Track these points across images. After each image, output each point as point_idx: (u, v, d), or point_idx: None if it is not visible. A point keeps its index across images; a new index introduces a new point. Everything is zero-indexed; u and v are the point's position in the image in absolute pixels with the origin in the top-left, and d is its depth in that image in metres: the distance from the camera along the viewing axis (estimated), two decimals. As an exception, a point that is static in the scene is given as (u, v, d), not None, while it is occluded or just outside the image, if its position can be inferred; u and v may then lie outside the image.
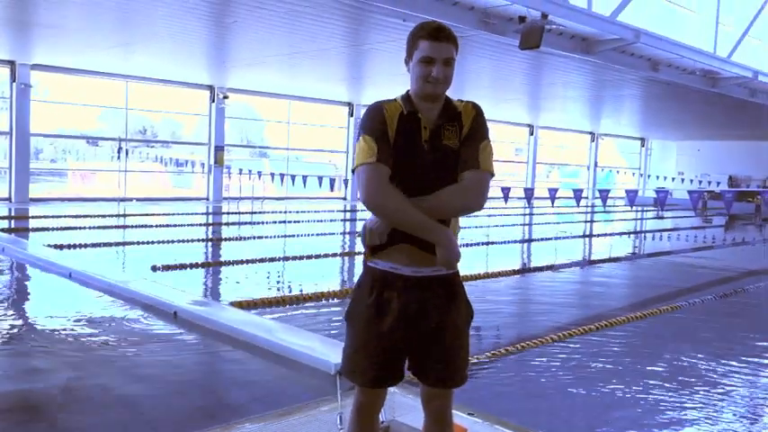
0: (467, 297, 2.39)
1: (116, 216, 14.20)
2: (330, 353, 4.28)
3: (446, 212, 2.22)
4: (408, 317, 2.25)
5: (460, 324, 2.34)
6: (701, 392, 4.41)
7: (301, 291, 7.18)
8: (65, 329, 5.28)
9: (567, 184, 30.45)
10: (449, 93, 2.34)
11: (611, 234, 15.71)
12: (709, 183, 28.58)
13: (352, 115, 22.64)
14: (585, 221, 19.78)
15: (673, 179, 29.60)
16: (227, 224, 14.64)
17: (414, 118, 2.24)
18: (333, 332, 5.23)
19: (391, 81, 14.92)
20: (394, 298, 2.25)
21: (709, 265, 11.20)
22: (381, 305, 2.26)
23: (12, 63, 16.01)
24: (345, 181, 21.92)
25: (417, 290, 2.26)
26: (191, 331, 5.36)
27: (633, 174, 34.53)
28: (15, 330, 5.38)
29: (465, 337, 2.37)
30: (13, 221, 12.95)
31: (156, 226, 12.59)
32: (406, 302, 2.25)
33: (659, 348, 5.52)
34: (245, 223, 14.87)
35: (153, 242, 10.26)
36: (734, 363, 5.14)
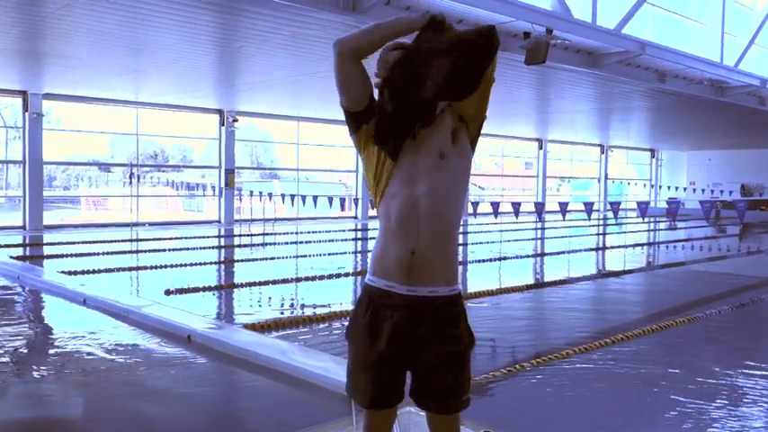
0: (467, 321, 2.31)
1: (129, 241, 14.28)
2: (344, 373, 4.24)
3: None
4: (402, 337, 2.21)
5: (460, 347, 2.26)
6: (724, 403, 4.35)
7: (314, 311, 7.19)
8: (79, 355, 5.30)
9: (578, 197, 30.37)
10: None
11: (623, 246, 15.63)
12: (722, 192, 28.40)
13: (360, 135, 22.71)
14: (598, 234, 19.71)
15: (684, 189, 29.46)
16: (240, 246, 14.69)
17: None
18: (346, 352, 5.21)
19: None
20: (388, 318, 2.22)
21: (725, 275, 11.11)
22: (375, 325, 2.24)
23: (24, 93, 16.23)
24: (356, 200, 21.96)
25: (412, 310, 2.21)
26: (205, 354, 5.37)
27: (644, 185, 34.39)
28: (30, 357, 5.41)
29: (466, 360, 2.29)
30: (27, 249, 13.06)
31: (169, 250, 12.65)
32: (400, 322, 2.21)
33: (678, 361, 5.47)
34: (258, 245, 14.90)
35: (166, 266, 10.30)
36: (755, 372, 5.08)
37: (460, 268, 10.99)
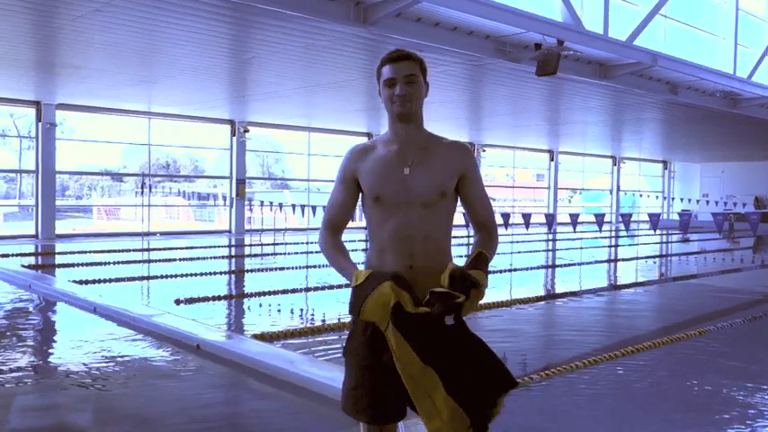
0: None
1: (140, 250, 14.34)
2: (352, 384, 4.24)
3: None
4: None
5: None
6: (735, 418, 4.30)
7: (324, 321, 7.18)
8: (89, 364, 5.31)
9: (589, 209, 30.22)
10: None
11: (635, 258, 15.51)
12: (735, 204, 28.18)
13: (371, 145, 22.78)
14: (609, 246, 19.59)
15: (697, 201, 29.26)
16: (250, 256, 14.72)
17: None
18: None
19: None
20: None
21: (737, 288, 11.00)
22: (377, 340, 2.24)
23: (37, 103, 16.39)
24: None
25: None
26: (213, 364, 5.36)
27: (657, 197, 34.19)
28: (39, 365, 5.43)
29: None
30: (39, 258, 13.14)
31: (180, 260, 12.70)
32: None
33: (689, 374, 5.41)
34: (268, 255, 14.92)
35: (176, 276, 10.33)
36: (766, 386, 5.02)
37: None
